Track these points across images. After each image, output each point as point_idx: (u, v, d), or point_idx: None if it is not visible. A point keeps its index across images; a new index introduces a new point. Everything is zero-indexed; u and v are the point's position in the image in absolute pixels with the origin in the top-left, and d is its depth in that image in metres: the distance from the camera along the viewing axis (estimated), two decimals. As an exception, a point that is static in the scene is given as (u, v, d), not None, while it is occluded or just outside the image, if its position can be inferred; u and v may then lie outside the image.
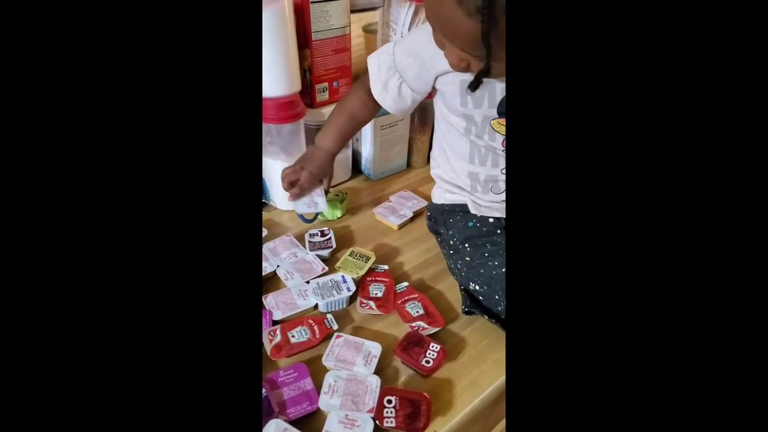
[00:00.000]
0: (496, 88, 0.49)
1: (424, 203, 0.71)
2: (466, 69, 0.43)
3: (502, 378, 0.47)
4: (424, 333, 0.49)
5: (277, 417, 0.40)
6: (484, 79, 0.45)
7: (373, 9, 0.72)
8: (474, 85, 0.44)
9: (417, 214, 0.70)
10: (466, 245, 0.52)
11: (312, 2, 0.59)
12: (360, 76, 0.84)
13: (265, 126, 0.61)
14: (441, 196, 0.60)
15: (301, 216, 0.66)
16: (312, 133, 0.71)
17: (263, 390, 0.42)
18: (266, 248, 0.60)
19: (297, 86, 0.62)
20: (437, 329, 0.50)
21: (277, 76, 0.58)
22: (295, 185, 0.59)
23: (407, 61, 0.53)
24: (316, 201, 0.61)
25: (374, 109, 0.60)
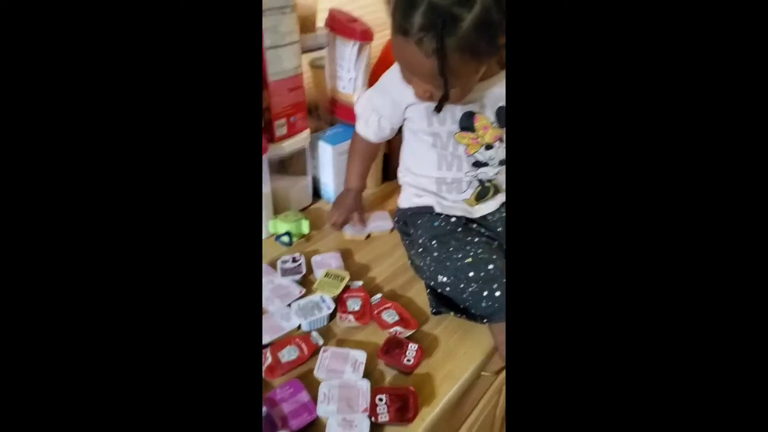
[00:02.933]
0: (455, 109, 0.59)
1: (384, 221, 0.77)
2: (430, 98, 0.54)
3: (472, 367, 0.54)
4: (401, 336, 0.55)
5: (281, 431, 0.44)
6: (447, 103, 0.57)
7: (321, 48, 0.78)
8: (438, 108, 0.55)
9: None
10: (434, 242, 0.60)
11: (267, 48, 0.64)
12: (310, 108, 0.90)
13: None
14: (408, 200, 0.68)
15: (280, 240, 0.70)
16: (275, 165, 0.75)
17: (264, 409, 0.45)
18: (244, 278, 0.63)
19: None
20: (412, 331, 0.56)
21: (240, 117, 0.63)
22: (339, 223, 0.72)
23: (381, 100, 0.64)
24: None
25: (377, 144, 0.71)
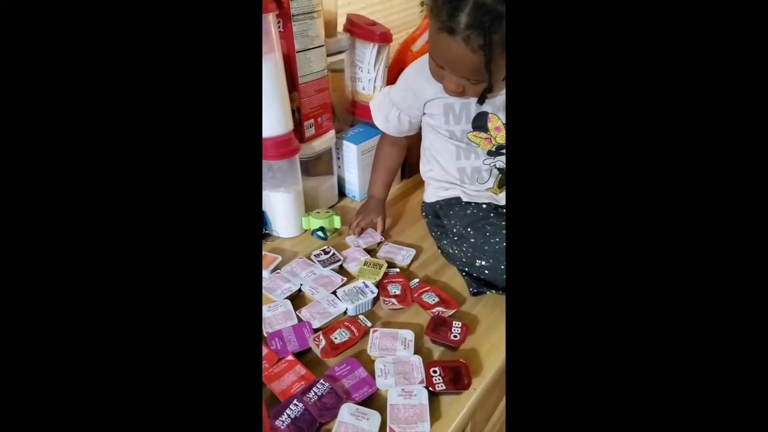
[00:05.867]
0: (471, 109, 0.63)
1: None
2: (461, 94, 0.57)
3: (514, 340, 0.57)
4: (444, 315, 0.58)
5: (346, 402, 0.46)
6: (462, 101, 0.62)
7: (341, 52, 0.82)
8: (482, 100, 0.60)
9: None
10: (469, 229, 0.63)
11: (298, 52, 0.68)
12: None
13: (266, 162, 0.68)
14: (434, 194, 0.71)
15: (316, 234, 0.73)
16: (305, 164, 0.78)
17: (327, 384, 0.48)
18: (286, 271, 0.66)
19: (290, 125, 0.69)
20: (453, 311, 0.59)
21: (275, 118, 0.66)
22: (358, 231, 0.73)
23: (400, 96, 0.67)
24: (374, 237, 0.73)
25: (399, 154, 0.76)
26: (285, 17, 0.65)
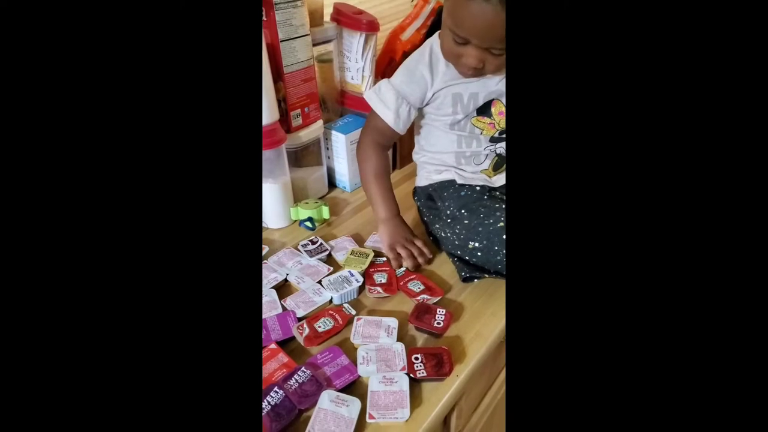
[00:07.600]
0: (479, 97, 0.63)
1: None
2: (480, 71, 0.57)
3: (500, 327, 0.56)
4: (429, 303, 0.58)
5: (326, 389, 0.46)
6: (470, 92, 0.62)
7: (328, 42, 0.81)
8: None
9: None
10: (463, 211, 0.62)
11: (281, 41, 0.67)
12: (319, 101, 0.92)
13: (252, 153, 0.68)
14: (428, 177, 0.70)
15: (304, 224, 0.73)
16: (291, 156, 0.78)
17: (308, 372, 0.48)
18: (273, 261, 0.66)
19: (276, 115, 0.69)
20: (438, 298, 0.59)
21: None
22: (413, 257, 0.64)
23: (409, 88, 0.65)
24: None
25: (385, 157, 0.70)
26: (268, 6, 0.65)
